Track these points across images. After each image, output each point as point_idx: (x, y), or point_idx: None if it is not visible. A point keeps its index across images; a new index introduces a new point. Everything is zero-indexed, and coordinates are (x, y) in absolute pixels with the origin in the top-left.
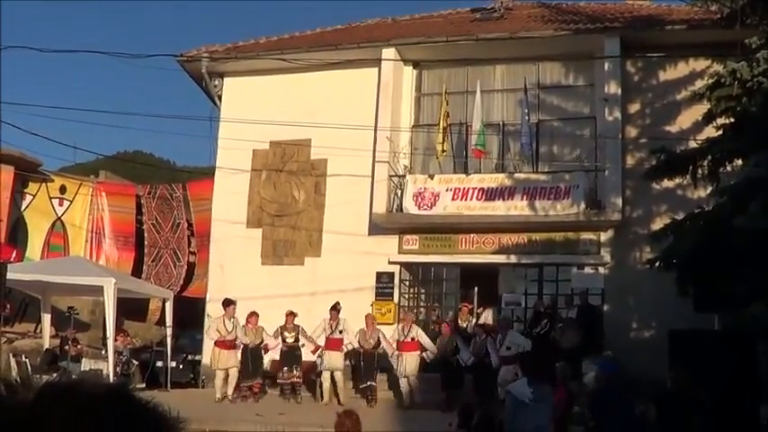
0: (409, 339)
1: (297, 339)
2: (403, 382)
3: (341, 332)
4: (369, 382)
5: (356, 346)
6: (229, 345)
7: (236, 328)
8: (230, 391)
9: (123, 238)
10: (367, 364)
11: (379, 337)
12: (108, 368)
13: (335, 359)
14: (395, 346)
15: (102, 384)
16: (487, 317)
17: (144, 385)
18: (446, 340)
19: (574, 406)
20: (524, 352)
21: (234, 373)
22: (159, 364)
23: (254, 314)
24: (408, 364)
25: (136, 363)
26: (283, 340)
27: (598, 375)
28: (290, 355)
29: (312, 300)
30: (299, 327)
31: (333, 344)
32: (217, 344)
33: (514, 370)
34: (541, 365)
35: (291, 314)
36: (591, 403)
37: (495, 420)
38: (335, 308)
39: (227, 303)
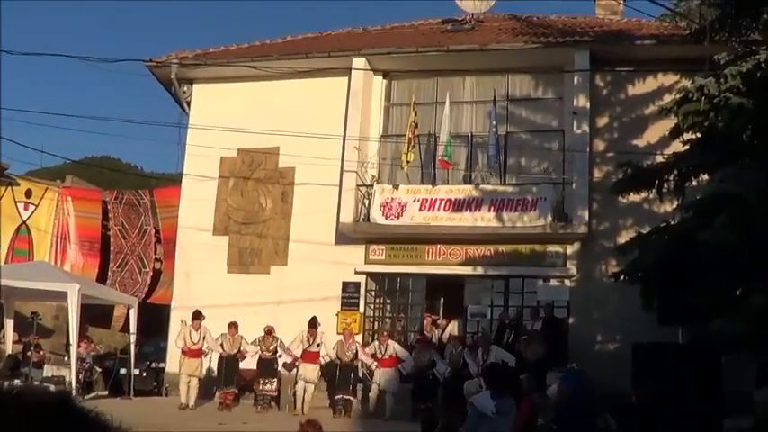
0: (387, 356)
1: (275, 352)
2: (374, 391)
3: (318, 345)
4: (345, 396)
5: (334, 357)
6: (193, 353)
7: (203, 338)
8: (192, 400)
9: (89, 244)
10: (344, 375)
11: (356, 349)
12: (70, 375)
13: (310, 371)
14: (375, 363)
15: (46, 393)
16: (453, 328)
17: (107, 392)
18: (421, 353)
19: (538, 418)
20: (489, 364)
21: (194, 383)
22: (123, 371)
23: (233, 324)
24: (386, 377)
25: (99, 370)
26: (261, 352)
27: (562, 387)
28: (268, 366)
29: (277, 309)
30: (278, 339)
31: (309, 357)
32: (182, 351)
33: (479, 382)
34: (505, 378)
35: (269, 332)
36: (554, 415)
37: (457, 431)
38: (314, 324)
39: (195, 316)
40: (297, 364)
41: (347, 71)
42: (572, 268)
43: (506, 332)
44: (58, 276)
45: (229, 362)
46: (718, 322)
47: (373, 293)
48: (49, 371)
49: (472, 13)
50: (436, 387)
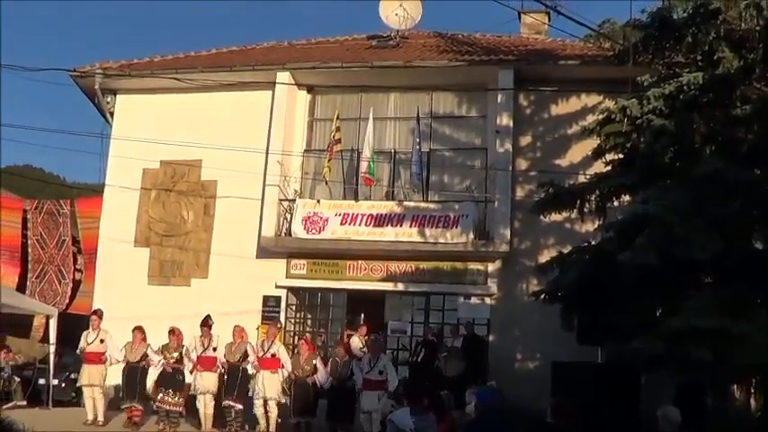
0: (269, 356)
1: (180, 360)
2: (257, 404)
3: (214, 349)
4: (229, 402)
5: (223, 361)
6: (92, 358)
7: (100, 341)
8: (100, 414)
9: (9, 253)
10: (231, 379)
11: (246, 350)
12: None
13: (208, 380)
14: (256, 362)
15: None
16: (354, 342)
17: (25, 402)
18: (304, 360)
19: None
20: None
21: (98, 394)
22: (42, 381)
23: (138, 328)
24: (268, 384)
25: (18, 379)
26: (166, 360)
27: (477, 405)
28: (171, 377)
29: (197, 322)
30: (183, 347)
31: (205, 363)
32: (83, 357)
33: (388, 400)
34: (423, 394)
35: (174, 332)
36: None
37: None
38: (207, 323)
39: (94, 313)
40: (194, 373)
41: (271, 85)
42: (493, 286)
43: (424, 348)
44: None
45: (132, 372)
46: (636, 342)
47: (294, 308)
48: None
49: (397, 30)
50: (317, 398)
